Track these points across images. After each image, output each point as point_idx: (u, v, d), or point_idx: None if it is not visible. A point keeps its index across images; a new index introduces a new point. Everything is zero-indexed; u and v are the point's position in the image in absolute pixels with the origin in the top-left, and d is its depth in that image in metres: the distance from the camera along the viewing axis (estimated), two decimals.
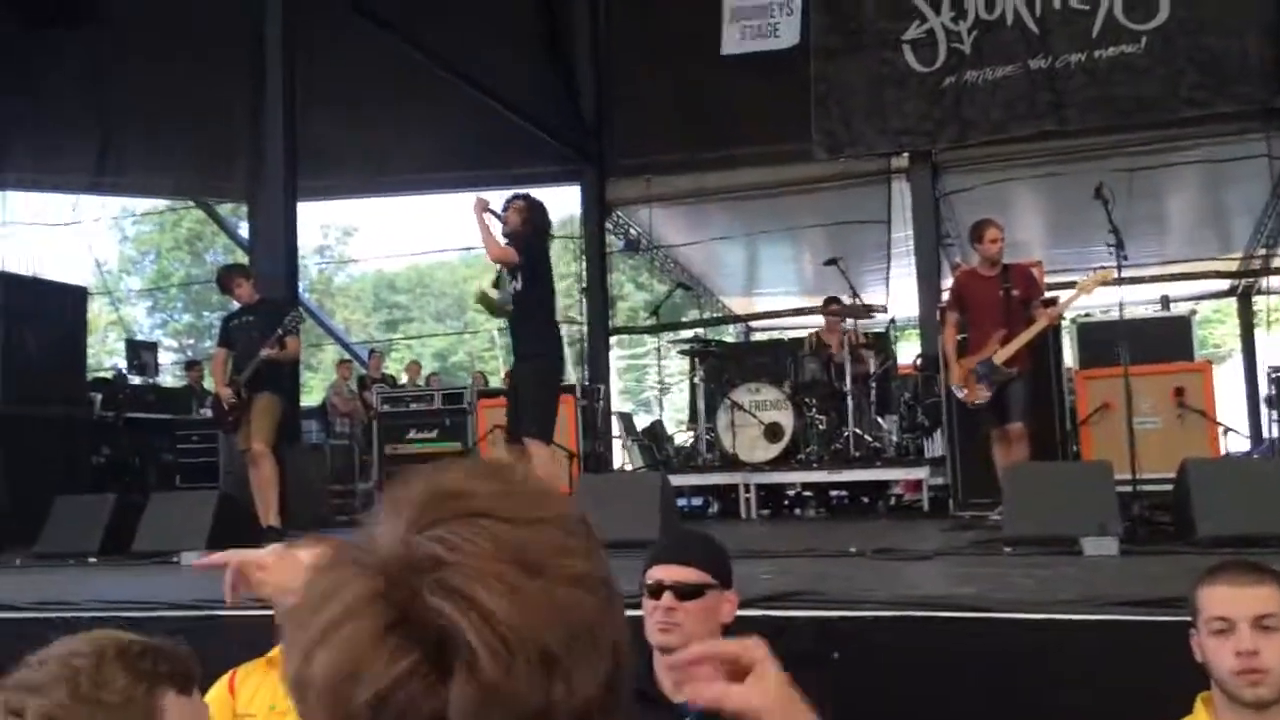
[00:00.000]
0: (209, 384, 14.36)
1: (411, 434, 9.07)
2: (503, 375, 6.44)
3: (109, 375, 9.98)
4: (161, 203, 18.10)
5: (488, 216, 6.06)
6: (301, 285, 30.98)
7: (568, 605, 0.66)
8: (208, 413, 10.33)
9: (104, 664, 1.19)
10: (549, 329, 6.32)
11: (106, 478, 8.53)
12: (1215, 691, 2.05)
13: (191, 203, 15.70)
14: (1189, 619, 2.14)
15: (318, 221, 34.51)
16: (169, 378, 17.15)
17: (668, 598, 2.27)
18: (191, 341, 31.87)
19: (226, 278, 7.54)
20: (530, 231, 6.11)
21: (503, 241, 6.03)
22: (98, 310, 18.10)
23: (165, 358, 26.03)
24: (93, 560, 5.38)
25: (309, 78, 11.10)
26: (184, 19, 11.79)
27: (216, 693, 2.68)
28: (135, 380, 10.03)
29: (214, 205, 15.24)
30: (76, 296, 8.11)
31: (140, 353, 9.98)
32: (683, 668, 1.09)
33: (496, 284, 6.43)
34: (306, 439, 10.40)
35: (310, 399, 15.62)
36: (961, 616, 2.82)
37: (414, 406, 9.24)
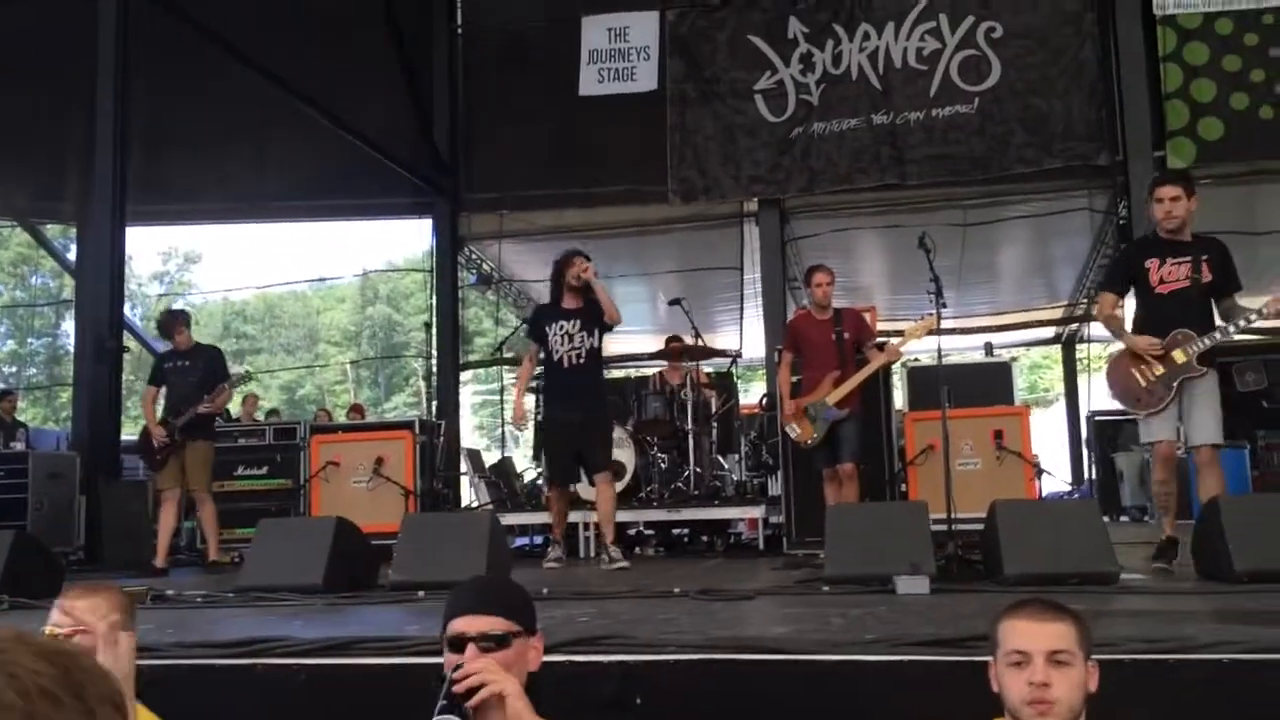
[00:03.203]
0: (23, 414, 13.53)
1: (240, 470, 8.70)
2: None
3: None
4: None
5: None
6: (138, 312, 29.59)
7: None
8: (19, 446, 9.72)
9: None
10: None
11: None
12: (1007, 718, 2.12)
13: (15, 223, 14.83)
14: (989, 653, 2.21)
15: (158, 248, 33.29)
16: None
17: (471, 651, 2.11)
18: (15, 369, 30.02)
19: (169, 323, 7.84)
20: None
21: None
22: None
23: None
24: None
25: (160, 103, 10.79)
26: (19, 39, 11.29)
27: None
28: None
29: (41, 227, 14.47)
30: None
31: None
32: None
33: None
34: (130, 475, 9.84)
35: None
36: (765, 659, 2.81)
37: (243, 442, 8.87)
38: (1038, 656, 2.07)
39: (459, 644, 2.14)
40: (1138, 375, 5.13)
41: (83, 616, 2.37)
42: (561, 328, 6.50)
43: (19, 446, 9.67)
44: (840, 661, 2.75)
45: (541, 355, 6.69)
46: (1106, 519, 5.79)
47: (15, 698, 0.64)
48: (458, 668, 2.10)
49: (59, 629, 2.38)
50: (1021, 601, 2.21)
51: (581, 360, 6.47)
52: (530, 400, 7.51)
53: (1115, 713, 2.28)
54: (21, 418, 12.33)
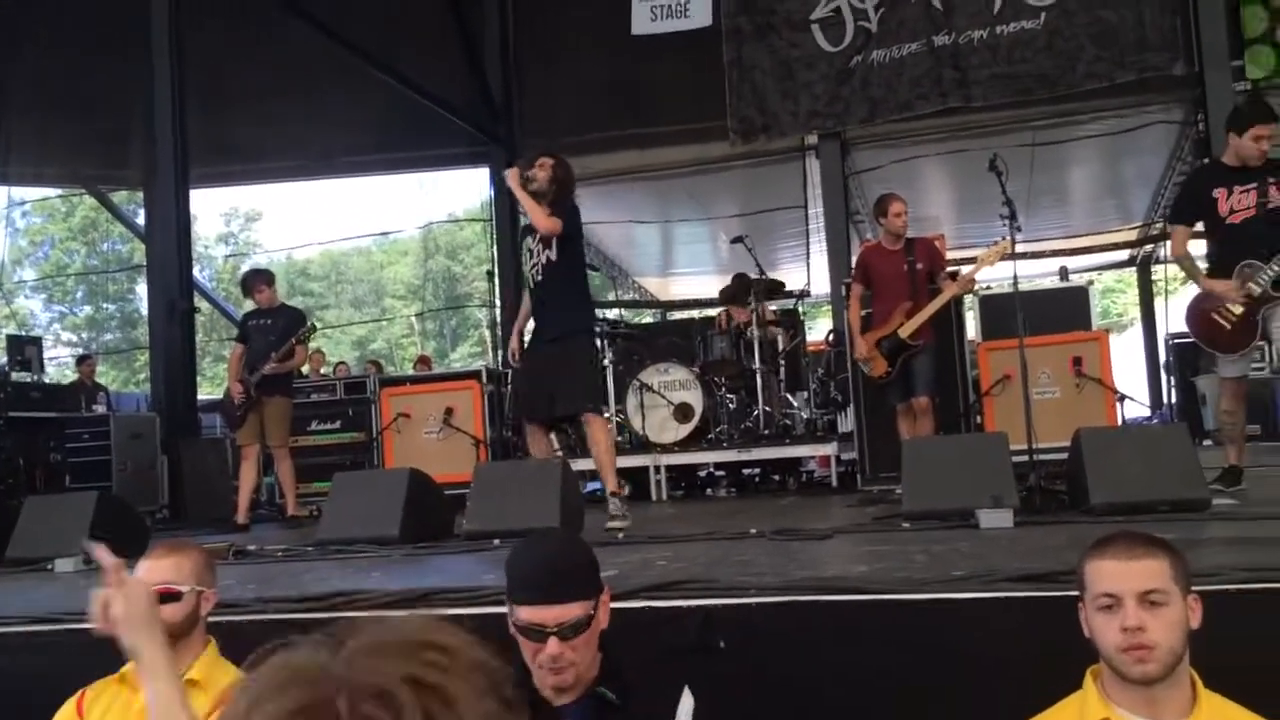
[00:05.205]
0: (102, 378, 13.90)
1: (314, 425, 8.84)
2: (510, 354, 5.71)
3: None
4: (51, 192, 17.43)
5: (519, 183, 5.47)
6: (206, 274, 30.06)
7: None
8: (100, 409, 9.97)
9: None
10: (587, 300, 5.90)
11: None
12: (1104, 666, 2.00)
13: (83, 191, 15.10)
14: (1076, 592, 2.08)
15: (219, 209, 33.81)
16: (68, 372, 16.56)
17: (554, 644, 2.06)
18: (92, 334, 30.84)
19: (250, 282, 7.87)
20: (564, 193, 5.57)
21: (545, 212, 5.40)
22: None
23: (62, 352, 25.19)
24: None
25: (215, 64, 10.86)
26: (80, 6, 11.40)
27: (65, 714, 2.52)
28: (24, 377, 9.56)
29: (109, 193, 14.73)
30: None
31: (23, 348, 9.51)
32: None
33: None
34: (208, 434, 10.06)
35: (217, 392, 15.20)
36: (849, 600, 2.75)
37: (315, 398, 8.99)
38: (1129, 599, 1.91)
39: (538, 635, 2.08)
40: (1219, 319, 5.00)
41: (166, 575, 2.49)
42: (527, 245, 5.64)
43: (100, 409, 9.92)
44: (928, 600, 2.68)
45: None
46: None
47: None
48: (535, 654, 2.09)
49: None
50: (1107, 538, 2.04)
51: (539, 277, 5.53)
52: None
53: (1222, 648, 2.11)
54: (101, 381, 12.64)
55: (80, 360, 11.98)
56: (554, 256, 5.49)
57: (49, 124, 12.38)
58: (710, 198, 13.32)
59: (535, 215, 5.42)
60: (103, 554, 1.92)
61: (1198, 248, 5.49)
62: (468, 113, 11.93)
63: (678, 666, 2.17)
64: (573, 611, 2.08)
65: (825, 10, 10.51)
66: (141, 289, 24.07)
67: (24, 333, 14.94)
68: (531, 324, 5.90)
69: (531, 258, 5.57)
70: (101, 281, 30.64)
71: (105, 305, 31.78)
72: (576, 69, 11.72)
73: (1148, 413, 11.74)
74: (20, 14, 11.37)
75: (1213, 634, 2.02)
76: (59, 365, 18.77)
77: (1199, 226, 5.32)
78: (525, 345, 5.79)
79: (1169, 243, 5.53)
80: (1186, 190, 5.58)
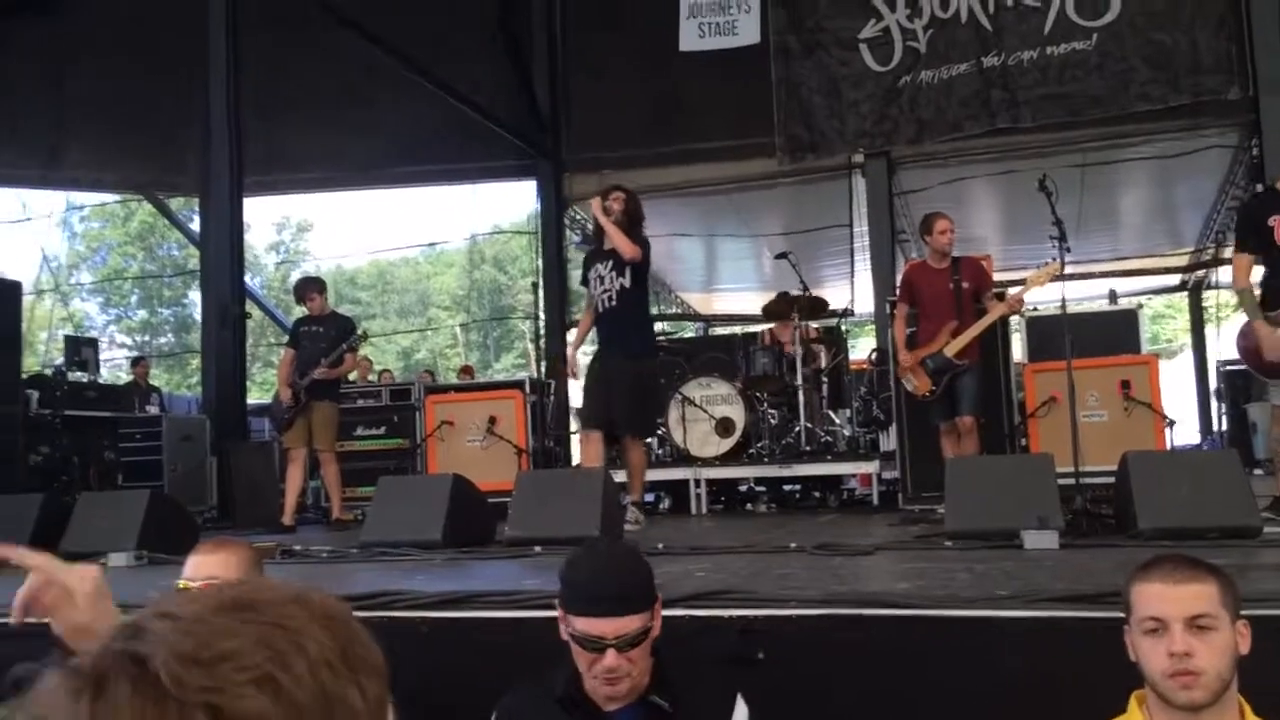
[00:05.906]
0: (156, 380, 14.15)
1: (359, 431, 8.96)
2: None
3: (48, 373, 9.72)
4: (109, 197, 17.80)
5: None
6: (258, 281, 30.58)
7: None
8: (153, 410, 10.17)
9: None
10: (652, 325, 6.54)
11: (44, 477, 8.33)
12: (1149, 691, 1.97)
13: (141, 197, 15.41)
14: (1123, 614, 2.06)
15: (271, 218, 34.35)
16: (121, 374, 16.91)
17: (612, 656, 2.10)
18: (147, 338, 31.41)
19: (303, 289, 8.04)
20: (636, 224, 6.15)
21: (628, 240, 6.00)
22: (48, 307, 17.76)
23: (117, 354, 25.70)
24: None
25: (269, 73, 11.08)
26: (139, 13, 11.68)
27: None
28: (80, 377, 9.78)
29: (165, 199, 15.03)
30: (10, 292, 7.92)
31: (80, 349, 9.73)
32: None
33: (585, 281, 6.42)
34: (256, 437, 10.22)
35: (265, 397, 15.43)
36: (891, 614, 2.75)
37: (361, 403, 9.11)
38: (1176, 623, 1.88)
39: (597, 647, 2.12)
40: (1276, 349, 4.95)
41: (213, 570, 2.51)
42: (597, 271, 6.14)
43: (153, 410, 10.11)
44: (971, 618, 2.67)
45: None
46: None
47: (305, 671, 0.66)
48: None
49: (191, 582, 2.51)
50: (1154, 560, 2.01)
51: (612, 302, 6.04)
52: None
53: (1273, 675, 2.07)
54: (154, 383, 12.90)
55: (135, 362, 12.22)
56: (628, 284, 6.07)
57: (107, 130, 12.65)
58: (755, 214, 13.32)
59: (621, 242, 5.97)
60: (8, 550, 1.45)
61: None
62: (515, 126, 12.05)
63: (728, 675, 2.18)
64: (632, 624, 2.12)
65: (874, 30, 10.50)
66: (195, 294, 24.53)
67: (81, 334, 15.30)
68: (596, 341, 6.41)
69: (603, 284, 6.06)
70: (156, 286, 31.26)
71: (160, 310, 32.42)
72: (623, 84, 11.79)
73: (1197, 439, 11.56)
74: (80, 22, 11.67)
75: (1263, 660, 2.00)
76: (114, 367, 19.15)
77: None
78: (591, 359, 6.30)
79: (1231, 268, 5.49)
80: (1243, 218, 5.52)
